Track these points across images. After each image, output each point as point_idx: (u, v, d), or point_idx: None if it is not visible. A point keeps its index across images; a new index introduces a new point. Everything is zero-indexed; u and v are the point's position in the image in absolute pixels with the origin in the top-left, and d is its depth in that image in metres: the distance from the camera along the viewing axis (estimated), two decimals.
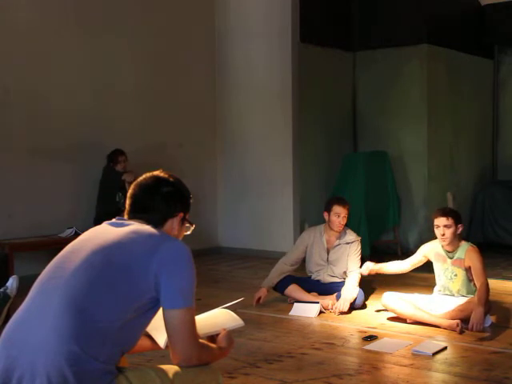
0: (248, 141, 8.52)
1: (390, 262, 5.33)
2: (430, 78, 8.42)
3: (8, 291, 4.71)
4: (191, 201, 2.36)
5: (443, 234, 4.74)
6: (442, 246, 4.86)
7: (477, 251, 4.79)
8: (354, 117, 9.00)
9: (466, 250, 4.79)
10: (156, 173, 2.33)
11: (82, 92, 7.15)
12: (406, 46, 8.46)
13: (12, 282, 4.74)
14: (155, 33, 7.93)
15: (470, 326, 4.51)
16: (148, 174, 2.32)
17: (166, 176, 2.31)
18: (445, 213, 4.81)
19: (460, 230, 4.80)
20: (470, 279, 4.81)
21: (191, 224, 2.36)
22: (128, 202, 2.29)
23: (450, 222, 4.73)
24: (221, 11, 8.70)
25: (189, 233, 2.37)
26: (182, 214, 2.29)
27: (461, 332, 4.51)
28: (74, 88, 7.08)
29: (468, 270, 4.78)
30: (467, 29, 9.17)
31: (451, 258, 4.83)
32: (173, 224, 2.26)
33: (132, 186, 2.31)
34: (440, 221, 4.75)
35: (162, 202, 2.25)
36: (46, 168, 6.82)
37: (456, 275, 4.84)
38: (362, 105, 8.94)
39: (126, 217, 2.27)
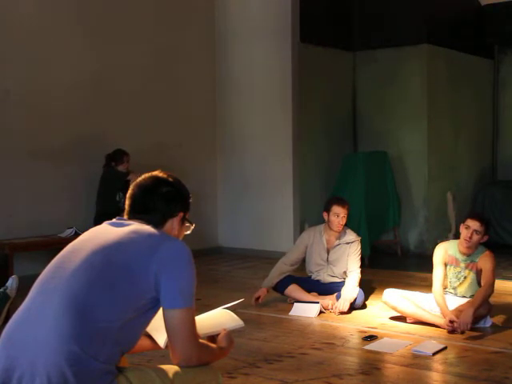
0: (248, 141, 8.52)
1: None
2: (430, 78, 8.42)
3: (8, 291, 4.72)
4: (191, 200, 2.36)
5: (470, 237, 4.66)
6: (459, 248, 4.79)
7: (492, 257, 4.75)
8: (354, 117, 9.00)
9: (481, 255, 4.76)
10: (155, 173, 2.33)
11: (81, 92, 7.14)
12: (406, 46, 8.46)
13: (12, 283, 4.75)
14: (155, 33, 7.93)
15: (456, 324, 4.49)
16: (147, 175, 2.32)
17: (165, 176, 2.31)
18: (481, 218, 4.74)
19: (484, 239, 4.73)
20: (479, 281, 4.78)
21: (191, 223, 2.36)
22: (127, 202, 2.29)
23: (481, 229, 4.67)
24: (221, 12, 8.70)
25: (189, 232, 2.37)
26: (181, 214, 2.29)
27: (461, 332, 4.50)
28: (74, 88, 7.07)
29: (479, 272, 4.75)
30: (467, 29, 9.17)
31: (465, 262, 4.79)
32: (173, 224, 2.26)
33: (131, 187, 2.31)
34: (474, 224, 4.67)
35: (161, 202, 2.25)
36: (46, 168, 6.82)
37: (465, 277, 4.81)
38: (361, 105, 8.94)
39: (125, 217, 2.27)
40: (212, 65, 8.71)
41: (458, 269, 4.83)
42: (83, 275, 2.03)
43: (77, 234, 6.31)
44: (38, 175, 6.75)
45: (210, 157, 8.74)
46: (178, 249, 2.13)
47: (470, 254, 4.78)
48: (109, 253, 2.08)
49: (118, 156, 6.98)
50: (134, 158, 7.15)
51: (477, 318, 4.60)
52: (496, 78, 9.71)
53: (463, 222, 4.76)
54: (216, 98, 8.75)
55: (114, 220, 2.25)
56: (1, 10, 6.48)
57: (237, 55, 8.58)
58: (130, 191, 2.30)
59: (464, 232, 4.72)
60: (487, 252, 4.78)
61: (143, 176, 2.32)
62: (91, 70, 7.23)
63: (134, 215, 2.25)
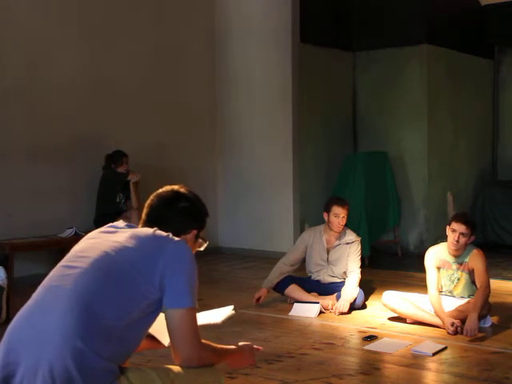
0: (248, 141, 8.52)
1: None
2: (430, 78, 8.42)
3: (0, 283, 4.82)
4: (207, 218, 2.40)
5: (457, 241, 4.63)
6: (448, 251, 4.78)
7: (481, 255, 4.73)
8: (354, 117, 9.00)
9: (470, 254, 4.74)
10: (176, 187, 2.38)
11: (81, 92, 7.14)
12: (406, 46, 8.46)
13: (0, 273, 4.88)
14: (155, 33, 7.93)
15: (464, 331, 4.47)
16: (168, 187, 2.38)
17: (186, 192, 2.36)
18: (466, 221, 4.67)
19: (471, 240, 4.71)
20: (473, 281, 4.77)
21: (205, 240, 2.40)
22: (145, 210, 2.34)
23: (468, 231, 4.63)
24: (221, 11, 8.70)
25: (202, 249, 2.41)
26: (195, 232, 2.33)
27: (461, 332, 4.49)
28: (74, 88, 7.07)
29: (471, 272, 4.74)
30: (467, 29, 9.17)
31: (455, 263, 4.79)
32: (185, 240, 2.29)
33: (151, 197, 2.36)
34: (459, 227, 4.63)
35: (177, 216, 2.30)
36: (46, 168, 6.82)
37: (459, 279, 4.80)
38: (362, 105, 8.95)
39: (140, 226, 2.30)
40: (212, 65, 8.71)
41: (451, 271, 4.81)
42: (90, 276, 2.05)
43: (77, 234, 6.32)
44: (38, 175, 6.75)
45: (209, 157, 8.74)
46: (181, 250, 2.15)
47: (460, 255, 4.76)
48: (115, 254, 2.10)
49: (117, 157, 6.98)
50: (134, 158, 7.15)
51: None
52: (496, 78, 9.71)
53: (449, 225, 4.73)
54: (216, 97, 8.75)
55: (119, 222, 2.28)
56: (1, 10, 6.48)
57: (237, 55, 8.58)
58: (148, 201, 2.35)
59: (450, 235, 4.69)
60: (475, 251, 4.75)
61: (164, 188, 2.37)
62: (91, 70, 7.23)
63: (148, 225, 2.28)
